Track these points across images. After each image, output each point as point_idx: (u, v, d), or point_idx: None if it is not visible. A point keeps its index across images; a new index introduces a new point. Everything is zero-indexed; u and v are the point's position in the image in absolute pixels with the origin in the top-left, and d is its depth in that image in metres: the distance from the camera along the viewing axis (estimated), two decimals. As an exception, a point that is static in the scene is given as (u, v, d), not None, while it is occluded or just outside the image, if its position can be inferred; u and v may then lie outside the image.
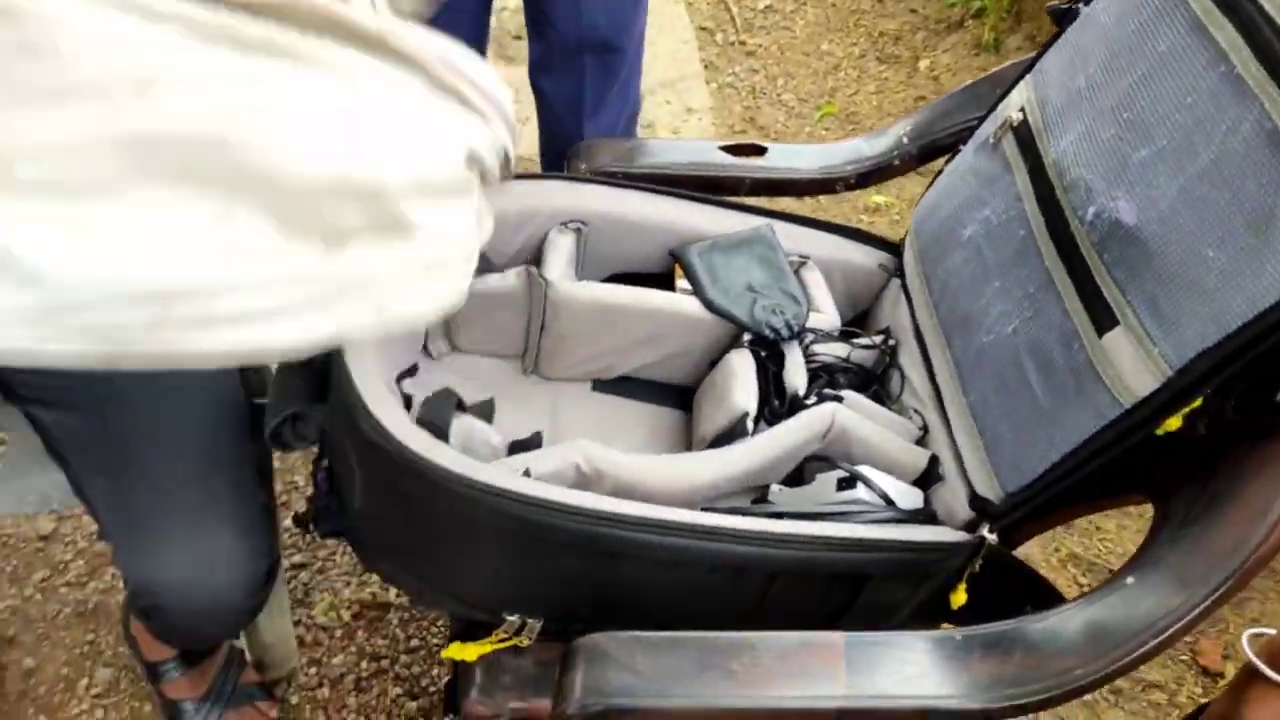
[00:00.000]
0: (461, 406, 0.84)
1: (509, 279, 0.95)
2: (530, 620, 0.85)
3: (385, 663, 1.38)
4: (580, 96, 1.43)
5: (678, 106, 2.30)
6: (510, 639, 0.87)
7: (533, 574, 0.80)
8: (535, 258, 0.98)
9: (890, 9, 2.68)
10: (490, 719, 0.87)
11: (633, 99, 1.49)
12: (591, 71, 1.41)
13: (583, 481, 0.80)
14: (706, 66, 2.43)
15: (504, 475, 0.74)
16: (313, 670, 1.36)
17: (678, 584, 0.80)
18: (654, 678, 0.69)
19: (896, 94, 2.43)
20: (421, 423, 0.77)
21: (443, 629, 1.42)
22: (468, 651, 0.88)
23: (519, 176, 0.99)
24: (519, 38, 2.28)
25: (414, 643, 1.40)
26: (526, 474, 0.78)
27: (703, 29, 2.51)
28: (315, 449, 0.89)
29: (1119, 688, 1.41)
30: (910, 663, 0.70)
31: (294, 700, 1.34)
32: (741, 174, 1.07)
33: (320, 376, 0.89)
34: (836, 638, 0.71)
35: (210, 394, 0.92)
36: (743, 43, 2.49)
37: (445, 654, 0.90)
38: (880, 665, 0.69)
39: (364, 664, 1.37)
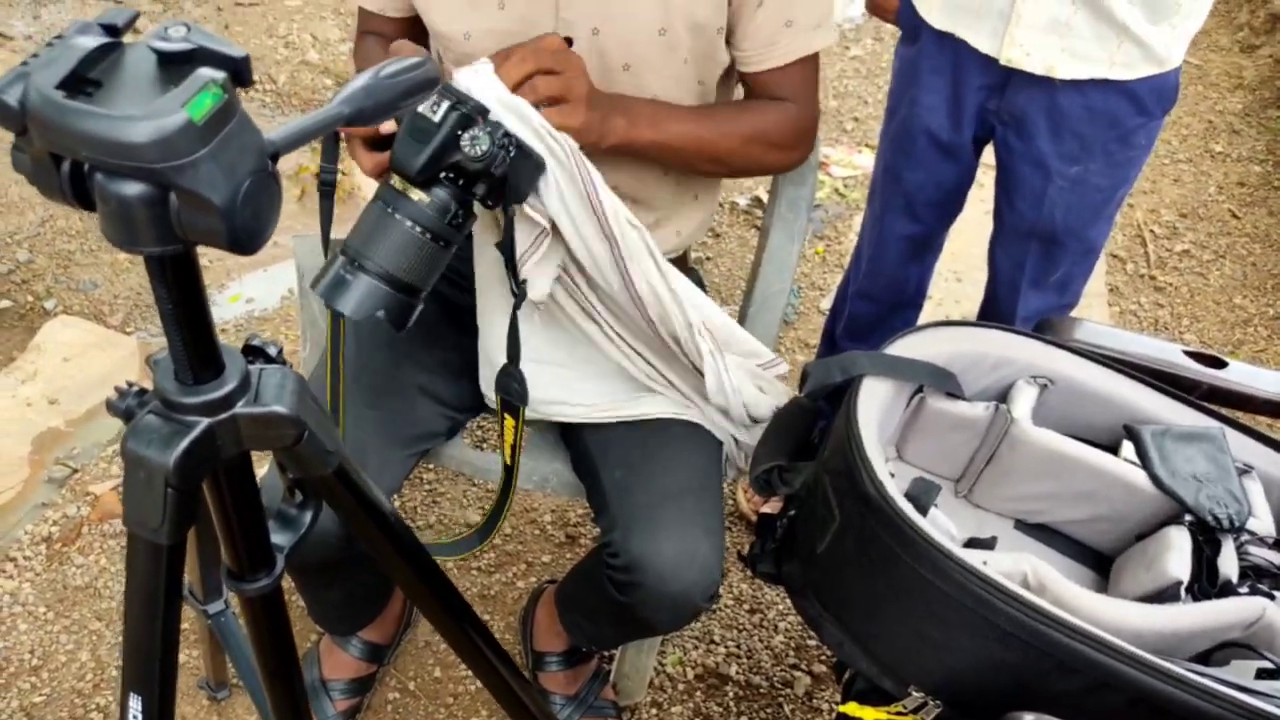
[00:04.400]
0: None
1: (977, 409, 1.09)
2: (931, 702, 0.96)
3: (715, 727, 1.50)
4: (1019, 276, 1.57)
5: (1075, 319, 2.39)
6: (906, 714, 0.98)
7: (960, 655, 0.90)
8: (999, 398, 1.11)
9: (1318, 280, 2.64)
10: (872, 777, 0.97)
11: (1071, 294, 1.61)
12: (1034, 256, 1.54)
13: (1027, 590, 0.91)
14: (1111, 290, 2.50)
15: (973, 557, 0.87)
16: (653, 709, 1.51)
17: (1092, 708, 0.87)
18: (1083, 766, 0.77)
19: (1309, 364, 2.37)
20: (908, 496, 0.92)
21: (770, 716, 1.52)
22: (865, 713, 1.00)
23: (1003, 328, 1.14)
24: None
25: (743, 719, 1.52)
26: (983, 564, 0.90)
27: (1114, 256, 2.59)
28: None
29: None
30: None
31: (633, 730, 1.49)
32: (1199, 379, 1.16)
33: (801, 441, 1.08)
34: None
35: (708, 437, 1.13)
36: (1153, 277, 2.54)
37: (841, 708, 1.02)
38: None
39: (697, 721, 1.51)
